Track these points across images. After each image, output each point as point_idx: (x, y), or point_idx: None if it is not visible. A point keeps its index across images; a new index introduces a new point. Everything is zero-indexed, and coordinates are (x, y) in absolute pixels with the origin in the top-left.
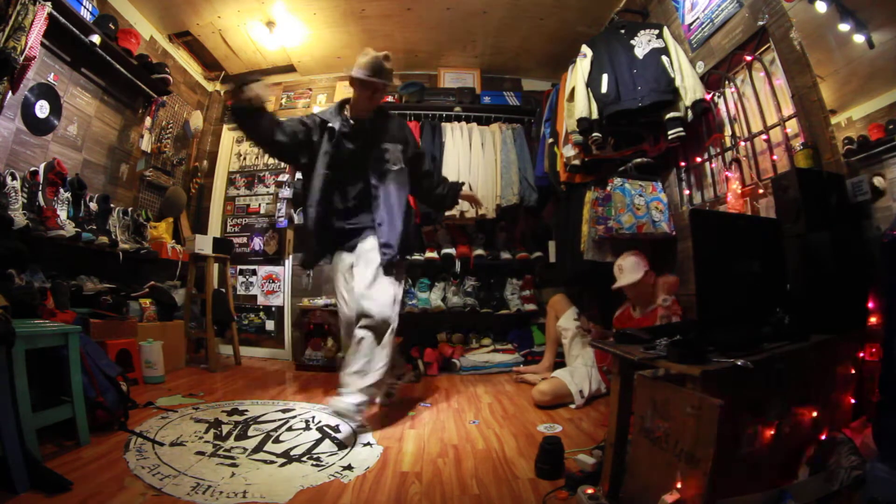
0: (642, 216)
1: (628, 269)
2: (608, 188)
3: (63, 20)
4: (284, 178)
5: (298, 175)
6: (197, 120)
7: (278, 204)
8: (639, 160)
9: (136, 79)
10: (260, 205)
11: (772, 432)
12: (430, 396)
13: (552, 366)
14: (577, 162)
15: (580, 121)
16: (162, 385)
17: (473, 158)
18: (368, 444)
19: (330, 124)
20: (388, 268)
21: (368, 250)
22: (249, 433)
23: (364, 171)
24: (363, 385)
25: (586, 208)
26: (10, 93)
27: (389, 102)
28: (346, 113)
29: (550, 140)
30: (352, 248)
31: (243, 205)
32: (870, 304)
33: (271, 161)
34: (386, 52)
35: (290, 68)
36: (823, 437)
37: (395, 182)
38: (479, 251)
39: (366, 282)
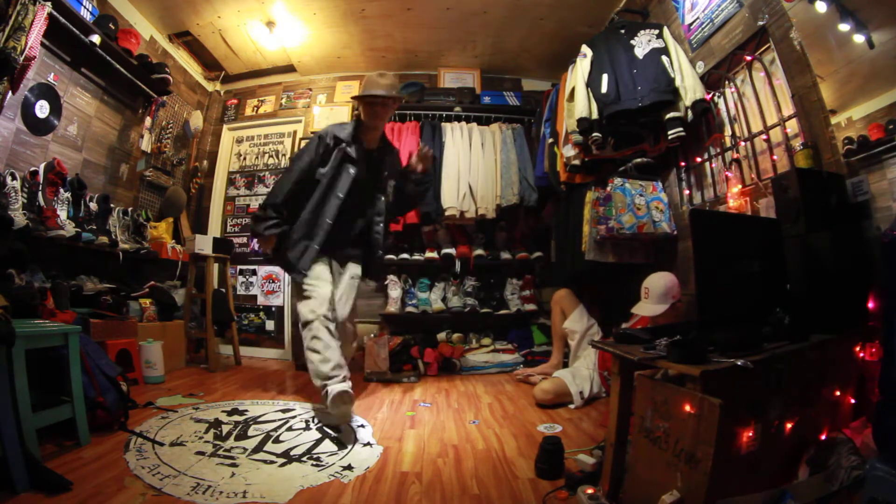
0: (643, 216)
1: (654, 297)
2: (608, 188)
3: (63, 20)
4: None
5: None
6: (197, 120)
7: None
8: (639, 160)
9: (136, 79)
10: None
11: (772, 432)
12: (430, 396)
13: (561, 363)
14: (577, 162)
15: (580, 121)
16: (162, 385)
17: (473, 158)
18: (368, 444)
19: (347, 148)
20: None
21: (351, 277)
22: (249, 433)
23: (368, 201)
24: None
25: (587, 208)
26: (10, 93)
27: None
28: (361, 138)
29: (550, 140)
30: (336, 259)
31: (243, 205)
32: (870, 304)
33: (271, 161)
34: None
35: (290, 68)
36: (823, 437)
37: (384, 215)
38: (479, 251)
39: (349, 307)
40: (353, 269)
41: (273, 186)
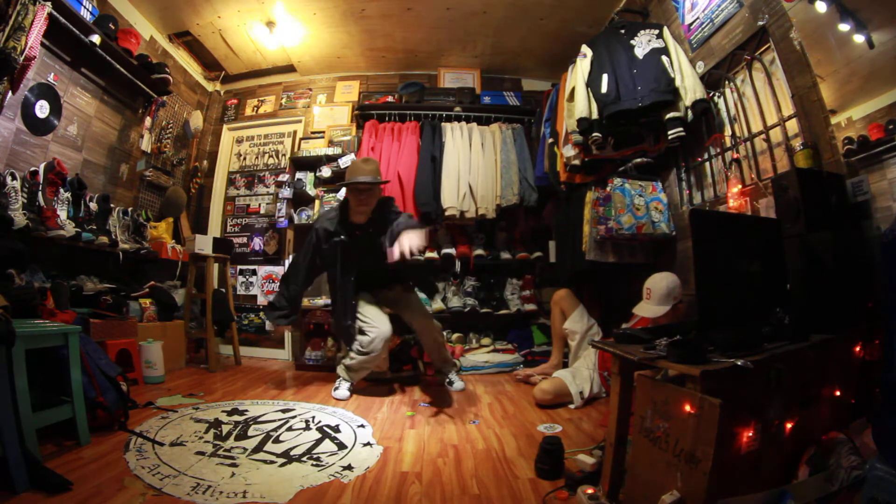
0: (642, 216)
1: (656, 298)
2: (608, 188)
3: (63, 20)
4: (284, 178)
5: (298, 175)
6: (197, 120)
7: (278, 204)
8: (639, 160)
9: (136, 79)
10: (260, 205)
11: (772, 432)
12: (430, 396)
13: (561, 363)
14: (577, 162)
15: (580, 121)
16: (162, 385)
17: (473, 158)
18: (368, 444)
19: (335, 237)
20: None
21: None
22: (249, 433)
23: (374, 257)
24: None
25: (587, 208)
26: (10, 93)
27: (389, 103)
28: (350, 220)
29: (550, 140)
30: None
31: (243, 205)
32: (870, 304)
33: (271, 161)
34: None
35: (290, 68)
36: (823, 437)
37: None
38: (479, 251)
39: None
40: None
41: (286, 274)
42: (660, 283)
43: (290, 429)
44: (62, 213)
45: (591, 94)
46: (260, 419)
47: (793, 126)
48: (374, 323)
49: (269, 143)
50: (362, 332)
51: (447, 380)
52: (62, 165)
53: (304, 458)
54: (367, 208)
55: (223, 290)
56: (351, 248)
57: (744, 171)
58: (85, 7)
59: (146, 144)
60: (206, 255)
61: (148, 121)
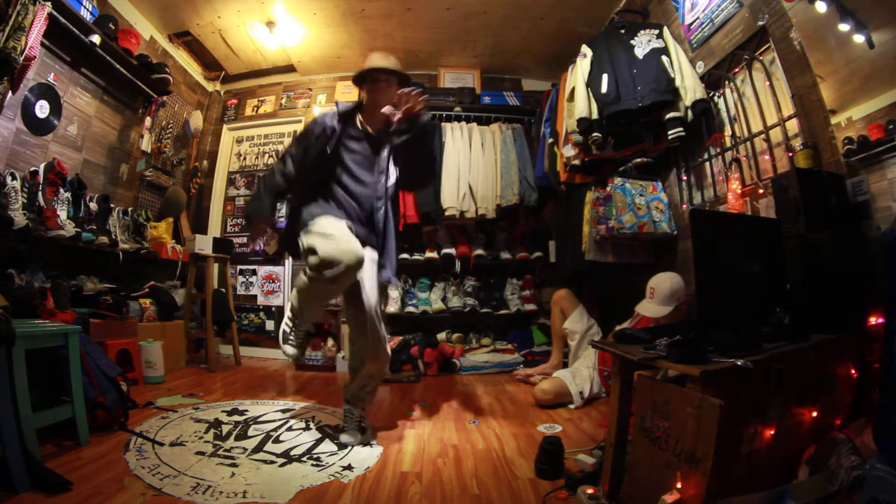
0: (643, 216)
1: (659, 298)
2: (608, 188)
3: (63, 20)
4: None
5: None
6: (197, 120)
7: (278, 204)
8: (639, 160)
9: (136, 79)
10: None
11: (772, 432)
12: (430, 396)
13: (561, 363)
14: (577, 162)
15: (580, 121)
16: (162, 385)
17: (473, 158)
18: (368, 444)
19: (345, 129)
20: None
21: (371, 260)
22: (249, 433)
23: (370, 183)
24: None
25: (587, 208)
26: (10, 93)
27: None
28: (359, 120)
29: (550, 140)
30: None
31: (243, 205)
32: (870, 304)
33: (271, 161)
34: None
35: (290, 68)
36: (823, 437)
37: (392, 201)
38: (479, 251)
39: (375, 293)
40: (371, 252)
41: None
42: (664, 283)
43: (290, 429)
44: (62, 213)
45: (591, 94)
46: (260, 419)
47: (793, 126)
48: (340, 236)
49: (269, 143)
50: (313, 252)
51: (345, 422)
52: (62, 165)
53: (304, 458)
54: (382, 98)
55: (223, 290)
56: (348, 145)
57: (744, 171)
58: (85, 7)
59: (146, 144)
60: (206, 255)
61: (148, 121)
